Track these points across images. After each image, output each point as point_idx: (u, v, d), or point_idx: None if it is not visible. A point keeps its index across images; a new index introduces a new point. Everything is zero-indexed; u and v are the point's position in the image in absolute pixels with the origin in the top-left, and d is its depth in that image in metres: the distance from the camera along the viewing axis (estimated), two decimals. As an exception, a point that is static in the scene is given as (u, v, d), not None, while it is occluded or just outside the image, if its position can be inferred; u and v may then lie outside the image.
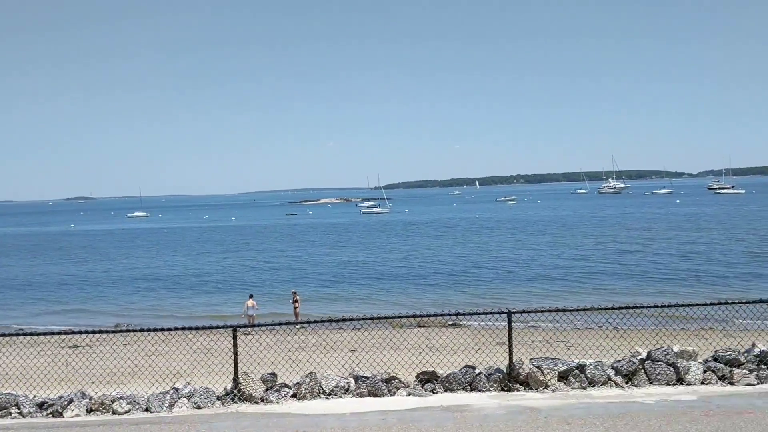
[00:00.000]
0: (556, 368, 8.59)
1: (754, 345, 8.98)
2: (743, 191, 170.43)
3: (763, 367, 8.54)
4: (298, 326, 26.83)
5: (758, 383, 8.36)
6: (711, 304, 9.98)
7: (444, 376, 8.72)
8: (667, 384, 8.51)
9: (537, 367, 8.62)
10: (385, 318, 10.41)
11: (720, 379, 8.58)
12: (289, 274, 44.68)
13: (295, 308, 29.11)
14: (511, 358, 8.81)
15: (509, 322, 8.81)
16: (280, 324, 10.99)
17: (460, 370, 8.77)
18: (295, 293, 29.96)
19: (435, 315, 10.54)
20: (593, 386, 8.57)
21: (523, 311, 9.30)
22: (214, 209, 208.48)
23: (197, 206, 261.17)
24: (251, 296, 29.11)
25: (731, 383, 8.42)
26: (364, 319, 9.82)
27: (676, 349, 8.82)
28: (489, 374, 8.70)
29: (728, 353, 8.76)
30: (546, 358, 8.81)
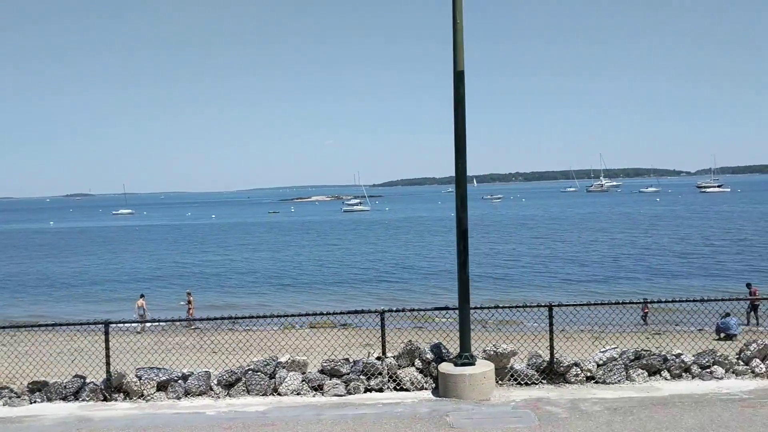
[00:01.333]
0: (156, 378, 8.59)
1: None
2: (728, 189, 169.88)
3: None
4: (191, 327, 26.93)
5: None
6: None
7: (52, 384, 8.72)
8: (264, 395, 8.51)
9: (138, 377, 8.62)
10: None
11: (314, 389, 8.58)
12: (200, 278, 44.31)
13: (189, 310, 29.11)
14: (115, 368, 8.79)
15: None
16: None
17: (71, 379, 8.77)
18: (189, 294, 29.97)
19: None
20: (188, 396, 8.58)
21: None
22: (203, 207, 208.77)
23: (188, 203, 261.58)
24: (142, 296, 29.15)
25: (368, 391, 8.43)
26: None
27: (284, 359, 8.81)
28: (95, 384, 8.69)
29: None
30: (151, 368, 8.81)
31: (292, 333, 22.47)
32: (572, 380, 8.54)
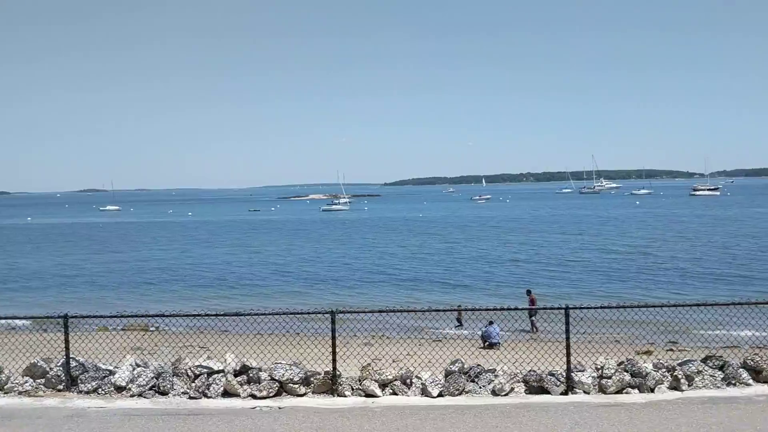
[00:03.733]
0: None
1: None
2: (718, 193, 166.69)
3: None
4: None
5: None
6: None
7: None
8: None
9: None
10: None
11: None
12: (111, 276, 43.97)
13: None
14: None
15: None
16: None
17: None
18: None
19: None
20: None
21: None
22: (190, 204, 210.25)
23: (190, 200, 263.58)
24: None
25: None
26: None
27: None
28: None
29: None
30: None
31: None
32: None
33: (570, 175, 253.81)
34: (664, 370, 8.65)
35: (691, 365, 8.63)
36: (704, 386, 8.36)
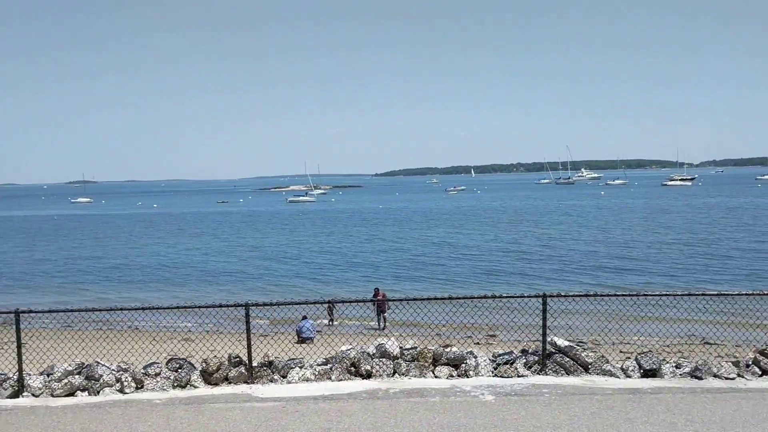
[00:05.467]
0: None
1: None
2: (690, 183, 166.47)
3: None
4: None
5: None
6: None
7: None
8: None
9: None
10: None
11: None
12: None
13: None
14: None
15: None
16: None
17: None
18: None
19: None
20: None
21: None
22: (165, 196, 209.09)
23: (175, 191, 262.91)
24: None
25: None
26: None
27: None
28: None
29: None
30: None
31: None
32: None
33: (548, 165, 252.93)
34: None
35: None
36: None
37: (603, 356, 8.69)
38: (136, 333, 21.58)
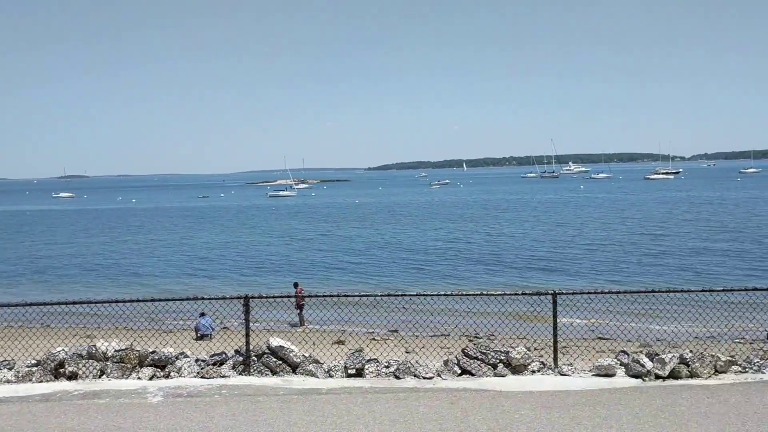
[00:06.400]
0: None
1: None
2: (672, 177, 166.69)
3: None
4: None
5: None
6: None
7: None
8: None
9: None
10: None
11: None
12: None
13: None
14: None
15: None
16: None
17: None
18: None
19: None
20: None
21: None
22: (150, 191, 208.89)
23: (163, 186, 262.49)
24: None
25: None
26: None
27: None
28: None
29: None
30: None
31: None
32: None
33: (534, 159, 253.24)
34: None
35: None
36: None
37: (312, 357, 8.73)
38: None
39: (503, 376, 8.28)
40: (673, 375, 8.06)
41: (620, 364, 8.41)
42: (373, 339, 21.00)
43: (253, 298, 8.82)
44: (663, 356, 8.07)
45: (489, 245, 45.02)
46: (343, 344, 19.99)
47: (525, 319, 20.55)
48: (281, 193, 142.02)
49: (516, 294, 10.67)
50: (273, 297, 10.52)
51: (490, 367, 8.41)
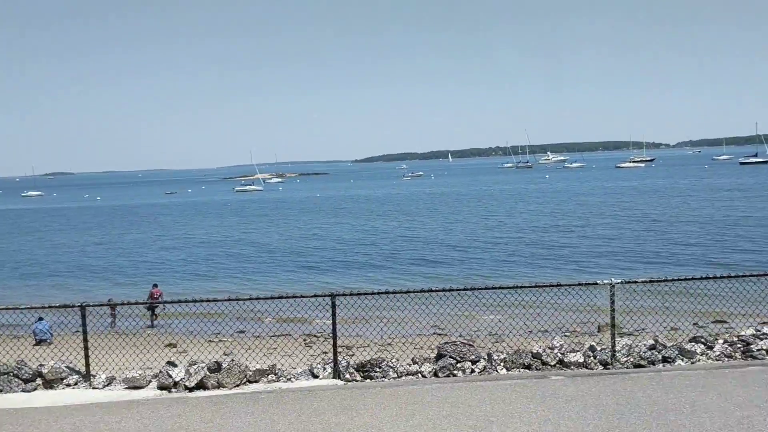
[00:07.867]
0: None
1: None
2: (643, 165, 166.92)
3: None
4: None
5: None
6: None
7: None
8: None
9: None
10: None
11: None
12: None
13: None
14: None
15: None
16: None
17: None
18: None
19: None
20: None
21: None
22: (120, 188, 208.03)
23: (148, 182, 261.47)
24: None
25: None
26: None
27: None
28: None
29: None
30: None
31: None
32: None
33: (510, 150, 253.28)
34: None
35: None
36: None
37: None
38: None
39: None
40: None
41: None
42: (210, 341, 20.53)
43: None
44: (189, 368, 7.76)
45: (382, 243, 44.39)
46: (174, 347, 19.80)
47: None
48: (248, 188, 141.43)
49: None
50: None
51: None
